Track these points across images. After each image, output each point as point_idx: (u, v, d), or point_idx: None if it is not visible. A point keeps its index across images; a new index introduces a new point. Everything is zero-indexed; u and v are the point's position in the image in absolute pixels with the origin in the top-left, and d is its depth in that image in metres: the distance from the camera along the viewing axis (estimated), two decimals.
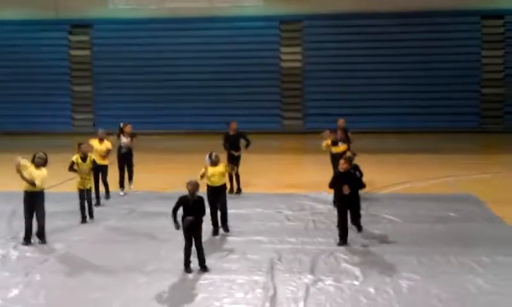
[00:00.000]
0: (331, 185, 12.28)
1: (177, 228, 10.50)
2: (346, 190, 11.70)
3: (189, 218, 10.36)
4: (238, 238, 12.44)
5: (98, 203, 15.25)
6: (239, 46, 32.36)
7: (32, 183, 11.92)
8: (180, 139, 30.25)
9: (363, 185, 12.36)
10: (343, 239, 11.89)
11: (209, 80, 32.16)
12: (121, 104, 32.23)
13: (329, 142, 15.75)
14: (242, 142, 16.84)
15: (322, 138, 16.24)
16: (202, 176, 12.48)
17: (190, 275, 10.34)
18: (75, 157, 13.97)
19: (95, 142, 15.79)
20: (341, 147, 15.37)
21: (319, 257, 11.13)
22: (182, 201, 10.51)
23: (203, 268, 10.50)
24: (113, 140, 16.46)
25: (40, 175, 12.00)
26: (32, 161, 12.16)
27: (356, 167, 12.47)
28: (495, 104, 31.45)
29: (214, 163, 12.76)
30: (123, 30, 33.10)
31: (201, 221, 10.61)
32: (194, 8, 32.07)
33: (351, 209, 12.07)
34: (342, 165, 12.06)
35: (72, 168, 14.01)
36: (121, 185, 16.69)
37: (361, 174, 12.58)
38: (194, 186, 10.53)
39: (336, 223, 12.33)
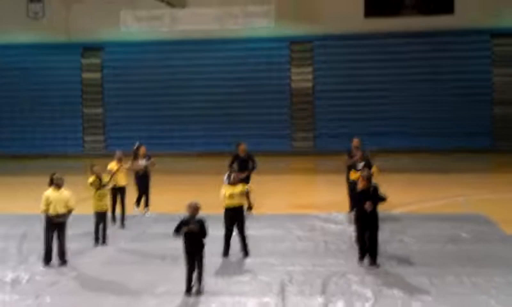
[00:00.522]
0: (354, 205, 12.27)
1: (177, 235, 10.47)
2: (369, 206, 11.60)
3: (193, 226, 10.30)
4: (249, 260, 12.39)
5: (113, 224, 15.24)
6: (249, 67, 32.48)
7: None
8: (190, 160, 30.29)
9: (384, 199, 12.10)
10: (361, 254, 11.84)
11: (220, 101, 32.26)
12: (132, 126, 32.35)
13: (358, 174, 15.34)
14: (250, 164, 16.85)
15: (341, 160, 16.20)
16: (224, 201, 12.42)
17: (200, 298, 10.28)
18: (91, 179, 13.96)
19: (113, 165, 15.68)
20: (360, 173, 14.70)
21: (330, 279, 11.05)
22: (183, 223, 10.46)
23: (199, 292, 10.38)
24: (129, 162, 16.44)
25: (70, 197, 12.12)
26: (51, 184, 12.14)
27: (376, 189, 12.11)
28: (507, 123, 31.30)
29: (233, 183, 12.72)
30: (134, 52, 33.33)
31: (203, 245, 10.53)
32: (205, 30, 32.24)
33: (369, 233, 11.79)
34: (360, 183, 11.94)
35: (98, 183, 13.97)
36: (138, 203, 16.73)
37: (383, 199, 12.15)
38: (193, 209, 10.49)
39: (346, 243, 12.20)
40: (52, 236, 12.11)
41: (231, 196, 12.59)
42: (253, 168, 16.85)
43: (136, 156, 16.74)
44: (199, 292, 10.38)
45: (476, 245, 13.17)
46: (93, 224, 13.82)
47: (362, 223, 11.76)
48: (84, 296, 10.56)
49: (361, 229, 11.78)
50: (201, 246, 10.48)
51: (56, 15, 33.48)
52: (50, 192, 12.10)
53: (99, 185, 13.84)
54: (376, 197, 11.81)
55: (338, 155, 16.88)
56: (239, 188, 12.76)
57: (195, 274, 10.42)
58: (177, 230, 10.47)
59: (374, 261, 11.74)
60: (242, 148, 16.88)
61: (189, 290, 10.41)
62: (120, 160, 15.73)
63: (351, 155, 16.30)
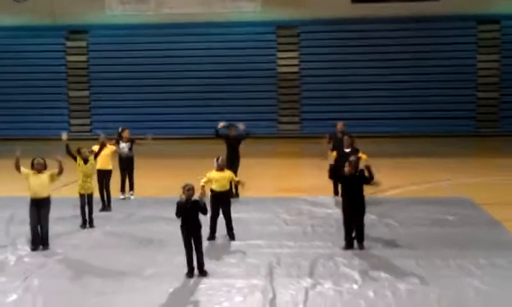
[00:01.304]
0: (331, 175, 12.54)
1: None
2: (348, 169, 11.80)
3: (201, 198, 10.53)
4: (236, 243, 12.45)
5: (103, 208, 15.24)
6: (235, 51, 32.45)
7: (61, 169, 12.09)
8: (177, 144, 30.27)
9: (370, 179, 12.05)
10: (347, 242, 11.85)
11: (206, 85, 32.24)
12: (118, 109, 32.28)
13: (334, 153, 15.54)
14: (241, 147, 16.87)
15: (321, 144, 16.34)
16: (205, 184, 12.42)
17: (188, 280, 10.32)
18: (78, 158, 13.91)
19: (96, 149, 15.64)
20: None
21: (317, 261, 11.14)
22: (181, 206, 10.48)
23: (202, 272, 10.48)
24: (112, 145, 16.41)
25: (51, 174, 12.05)
26: (32, 167, 12.10)
27: (362, 174, 12.14)
28: (490, 108, 31.59)
29: (220, 168, 12.74)
30: (120, 35, 33.17)
31: (200, 225, 10.60)
32: (191, 14, 32.15)
33: (356, 216, 11.84)
34: (347, 168, 11.98)
35: (68, 151, 13.92)
36: (122, 190, 16.69)
37: (371, 178, 12.11)
38: (191, 191, 10.50)
39: (333, 226, 12.25)
40: (35, 220, 12.03)
41: (217, 180, 12.62)
42: (247, 134, 16.94)
43: (118, 139, 16.68)
44: (203, 274, 10.41)
45: (461, 228, 13.33)
46: (79, 207, 13.81)
47: (350, 208, 11.81)
48: (71, 278, 10.56)
49: (348, 214, 11.84)
50: (198, 227, 10.52)
51: None
52: (31, 173, 12.02)
53: (83, 165, 13.80)
54: (362, 180, 11.89)
55: (320, 138, 17.01)
56: (226, 174, 12.79)
57: (195, 257, 10.45)
58: (178, 213, 10.46)
59: (361, 245, 11.83)
60: (233, 130, 16.93)
61: (190, 271, 10.44)
62: (103, 144, 15.67)
63: (334, 139, 16.43)
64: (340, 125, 16.70)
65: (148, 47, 32.99)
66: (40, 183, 11.96)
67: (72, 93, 33.71)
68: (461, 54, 31.58)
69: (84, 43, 33.79)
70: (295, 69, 32.79)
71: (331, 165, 14.44)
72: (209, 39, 32.69)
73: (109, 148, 15.77)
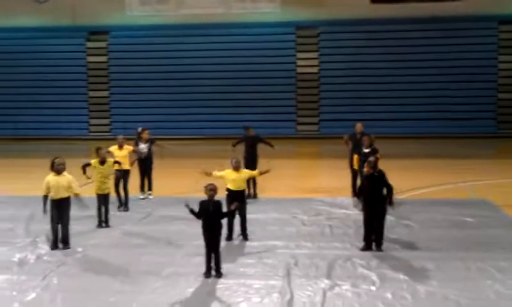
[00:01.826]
0: (360, 193, 12.22)
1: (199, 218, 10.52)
2: (367, 169, 11.79)
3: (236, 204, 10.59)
4: (254, 243, 12.42)
5: (120, 207, 15.31)
6: (255, 52, 32.50)
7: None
8: (196, 144, 30.37)
9: (390, 202, 11.84)
10: (366, 244, 11.79)
11: (226, 85, 32.32)
12: (137, 109, 32.45)
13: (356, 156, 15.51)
14: (260, 146, 16.89)
15: (345, 143, 16.38)
16: (219, 177, 12.42)
17: (206, 280, 10.33)
18: (94, 161, 14.03)
19: (114, 149, 15.76)
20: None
21: (335, 262, 11.09)
22: (203, 207, 10.48)
23: (218, 273, 10.47)
24: (131, 146, 16.49)
25: (73, 181, 12.11)
26: (52, 168, 12.12)
27: (382, 174, 12.02)
28: (511, 109, 31.28)
29: (236, 168, 12.74)
30: (140, 36, 33.37)
31: (221, 225, 10.60)
32: (211, 14, 32.24)
33: (376, 218, 11.74)
34: (366, 168, 11.94)
35: (84, 167, 14.04)
36: (142, 189, 16.76)
37: (390, 190, 11.86)
38: (213, 191, 10.51)
39: (351, 227, 12.16)
40: (56, 221, 12.09)
41: (233, 180, 12.62)
42: (270, 145, 17.08)
43: (138, 140, 16.74)
44: (219, 275, 10.43)
45: (481, 230, 13.19)
46: (96, 207, 13.89)
47: (370, 209, 11.73)
48: (90, 277, 10.61)
49: (368, 215, 11.76)
50: (219, 228, 10.52)
51: None
52: (50, 177, 12.06)
53: (99, 166, 13.89)
54: (381, 182, 11.80)
55: (340, 139, 16.98)
56: (242, 174, 12.78)
57: (213, 258, 10.47)
58: (200, 213, 10.46)
59: (379, 247, 11.76)
60: (251, 130, 17.00)
61: (208, 271, 10.46)
62: (121, 146, 15.76)
63: (353, 139, 16.39)
64: (359, 126, 16.64)
65: (167, 48, 33.15)
66: (61, 185, 12.02)
67: (91, 93, 33.98)
68: (481, 55, 31.35)
69: (104, 44, 34.03)
70: (314, 70, 32.76)
71: (360, 186, 13.95)
72: (228, 40, 32.75)
73: (126, 148, 15.86)
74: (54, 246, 12.10)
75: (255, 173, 13.61)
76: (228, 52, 32.68)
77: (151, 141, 16.82)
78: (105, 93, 33.91)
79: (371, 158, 12.22)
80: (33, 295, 9.80)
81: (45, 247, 12.21)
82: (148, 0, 33.33)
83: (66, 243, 12.17)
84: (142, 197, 16.67)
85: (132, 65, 33.39)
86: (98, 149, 14.19)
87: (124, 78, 33.51)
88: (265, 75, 32.42)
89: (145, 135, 16.78)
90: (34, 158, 24.57)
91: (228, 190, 12.66)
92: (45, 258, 11.65)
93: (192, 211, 10.47)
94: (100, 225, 13.82)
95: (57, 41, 33.86)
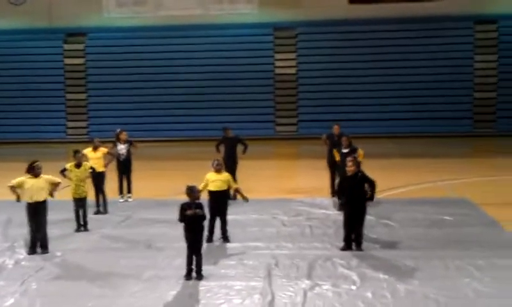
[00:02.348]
0: (339, 192, 12.21)
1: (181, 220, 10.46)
2: (350, 168, 11.78)
3: (199, 210, 10.34)
4: (234, 244, 12.41)
5: (98, 211, 15.21)
6: (233, 53, 32.49)
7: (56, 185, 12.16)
8: (174, 146, 30.26)
9: (371, 198, 11.95)
10: (346, 244, 11.82)
11: (203, 87, 32.26)
12: (115, 112, 32.27)
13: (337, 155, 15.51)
14: (240, 147, 16.91)
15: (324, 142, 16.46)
16: (203, 189, 12.38)
17: (187, 282, 10.30)
18: (69, 164, 13.93)
19: (89, 151, 15.63)
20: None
21: (316, 262, 11.12)
22: (185, 208, 10.43)
23: (199, 275, 10.44)
24: (110, 147, 16.38)
25: (51, 178, 12.08)
26: (29, 171, 11.99)
27: (363, 174, 12.07)
28: (487, 108, 31.61)
29: (217, 170, 12.71)
30: (117, 38, 33.20)
31: (203, 227, 10.57)
32: (188, 16, 32.18)
33: (356, 218, 11.78)
34: (350, 167, 11.93)
35: (62, 172, 13.93)
36: (121, 192, 16.66)
37: (372, 185, 11.93)
38: (196, 192, 10.49)
39: (331, 227, 12.21)
40: (34, 225, 11.97)
41: (214, 182, 12.58)
42: (245, 149, 17.03)
43: (116, 141, 16.66)
44: (200, 277, 10.39)
45: (460, 228, 13.30)
46: (73, 210, 13.80)
47: (350, 208, 11.76)
48: (70, 282, 10.53)
49: (349, 215, 11.79)
50: (201, 230, 10.49)
51: (37, 0, 33.19)
52: (26, 178, 11.94)
53: (75, 169, 13.80)
54: (362, 180, 11.85)
55: (319, 139, 17.08)
56: (224, 175, 12.77)
57: (194, 260, 10.43)
58: (181, 216, 10.41)
59: (359, 246, 11.80)
60: (229, 131, 17.00)
61: (189, 273, 10.41)
62: (95, 148, 15.64)
63: (331, 140, 16.43)
64: (336, 128, 16.69)
65: (145, 50, 33.01)
66: (38, 188, 11.91)
67: (69, 96, 33.72)
68: (458, 54, 31.62)
69: (81, 46, 33.81)
70: (292, 70, 32.81)
71: (339, 185, 13.96)
72: (207, 41, 32.71)
73: (101, 150, 15.74)
74: (32, 251, 11.98)
75: (234, 185, 13.28)
76: (206, 53, 32.63)
77: (129, 143, 16.74)
78: (83, 96, 33.66)
79: (354, 159, 12.23)
80: (11, 300, 9.71)
81: (22, 252, 12.10)
82: (125, 2, 33.17)
83: (44, 247, 12.05)
84: (121, 200, 16.58)
85: (110, 67, 33.20)
86: (75, 152, 14.09)
87: (102, 80, 33.30)
88: (243, 76, 32.41)
89: (123, 136, 16.69)
90: (10, 162, 24.32)
91: (209, 191, 12.62)
92: (23, 263, 11.54)
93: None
94: (78, 229, 13.71)
95: (34, 43, 33.56)
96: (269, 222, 14.18)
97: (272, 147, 29.53)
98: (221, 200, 12.66)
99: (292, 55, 32.90)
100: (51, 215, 12.40)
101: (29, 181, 11.89)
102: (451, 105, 31.39)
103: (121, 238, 13.23)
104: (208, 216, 11.79)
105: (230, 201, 13.92)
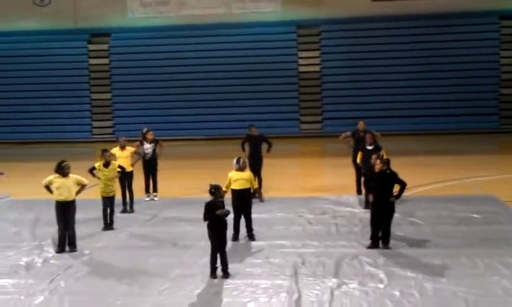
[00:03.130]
0: (367, 189, 12.15)
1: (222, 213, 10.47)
2: (370, 198, 11.69)
3: (226, 210, 10.36)
4: (261, 243, 12.39)
5: (125, 210, 15.30)
6: (256, 51, 32.50)
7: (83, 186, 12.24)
8: (199, 144, 30.36)
9: (398, 196, 11.87)
10: (373, 242, 11.75)
11: (228, 85, 32.32)
12: (139, 111, 32.46)
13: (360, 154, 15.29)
14: (264, 146, 16.88)
15: (345, 142, 16.39)
16: (227, 188, 12.40)
17: (213, 281, 10.32)
18: (98, 164, 14.03)
19: (116, 150, 15.73)
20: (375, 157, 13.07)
21: (342, 260, 11.06)
22: (211, 207, 10.43)
23: (226, 274, 10.46)
24: (136, 146, 16.45)
25: (79, 178, 12.19)
26: (57, 171, 12.11)
27: (393, 172, 11.96)
28: None
29: (241, 168, 12.71)
30: (141, 38, 33.39)
31: (226, 225, 10.59)
32: (211, 15, 32.26)
33: (384, 216, 11.66)
34: (377, 165, 11.77)
35: (91, 171, 14.04)
36: (147, 191, 16.74)
37: (403, 186, 11.88)
38: (221, 191, 10.50)
39: (357, 225, 12.16)
40: (64, 225, 12.08)
41: (237, 180, 12.59)
42: (269, 148, 16.91)
43: (142, 140, 16.73)
44: (226, 275, 10.42)
45: (488, 226, 13.16)
46: (101, 209, 13.90)
47: (378, 207, 11.66)
48: (97, 280, 10.60)
49: (377, 213, 11.70)
50: (225, 228, 10.51)
51: (62, 1, 33.55)
52: (55, 177, 12.05)
53: (103, 169, 13.88)
54: (392, 179, 11.74)
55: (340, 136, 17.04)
56: (246, 174, 12.75)
57: (220, 258, 10.46)
58: (207, 215, 10.43)
59: (386, 244, 11.73)
60: (254, 130, 16.94)
61: (213, 272, 10.45)
62: (123, 147, 15.72)
63: (355, 137, 16.36)
64: (361, 124, 16.65)
65: (169, 49, 33.16)
66: (67, 187, 12.03)
67: (94, 96, 33.98)
68: (483, 50, 31.32)
69: (106, 46, 34.04)
70: (316, 68, 32.74)
71: (365, 182, 13.78)
72: (230, 40, 32.76)
73: (128, 149, 15.81)
74: (60, 249, 12.09)
75: (255, 185, 13.28)
76: (229, 52, 32.68)
77: (156, 142, 16.80)
78: (108, 95, 33.92)
79: (381, 156, 12.13)
80: (41, 298, 9.80)
81: (51, 251, 12.20)
82: (149, 2, 33.34)
83: (73, 245, 12.16)
84: (147, 199, 16.66)
85: (133, 67, 33.40)
86: (103, 152, 14.18)
87: (126, 80, 33.53)
88: (267, 74, 32.40)
89: (150, 136, 16.75)
90: (37, 162, 24.61)
91: (232, 190, 12.62)
92: (51, 261, 11.64)
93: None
94: (106, 228, 13.82)
95: (59, 44, 33.89)
96: (294, 220, 14.14)
97: (297, 145, 29.49)
98: (244, 198, 12.64)
99: (316, 53, 32.84)
100: (79, 214, 12.51)
101: (57, 181, 12.00)
102: (477, 101, 31.11)
103: (148, 236, 13.30)
104: (232, 215, 11.80)
105: (254, 200, 13.89)
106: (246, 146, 16.86)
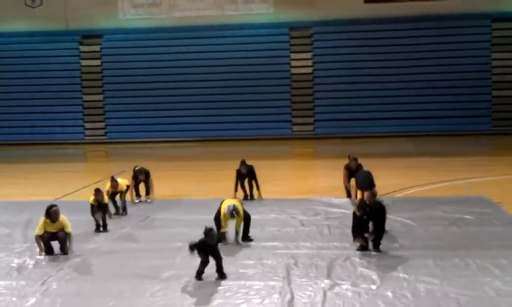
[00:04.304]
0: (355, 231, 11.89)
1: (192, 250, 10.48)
2: (357, 242, 11.64)
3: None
4: (253, 244, 12.39)
5: (117, 213, 15.24)
6: (249, 53, 32.49)
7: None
8: (191, 146, 30.32)
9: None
10: (360, 242, 11.72)
11: (219, 87, 32.29)
12: (131, 113, 32.41)
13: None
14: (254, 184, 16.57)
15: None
16: (223, 229, 12.25)
17: (206, 282, 10.30)
18: (92, 199, 13.93)
19: (108, 187, 15.29)
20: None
21: (335, 262, 11.07)
22: (199, 247, 10.45)
23: (223, 275, 10.43)
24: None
25: (66, 223, 12.05)
26: (47, 216, 12.00)
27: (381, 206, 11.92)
28: (506, 106, 31.37)
29: (232, 216, 12.45)
30: (133, 39, 33.34)
31: (219, 257, 10.55)
32: (203, 16, 32.26)
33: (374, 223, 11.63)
34: (358, 210, 11.64)
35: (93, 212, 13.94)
36: (137, 194, 16.68)
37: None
38: (214, 237, 10.45)
39: (349, 226, 12.13)
40: (47, 239, 12.02)
41: (225, 222, 12.42)
42: (257, 187, 16.61)
43: (134, 178, 16.49)
44: (223, 277, 10.39)
45: (480, 227, 13.20)
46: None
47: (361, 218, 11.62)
48: (89, 282, 10.57)
49: (359, 221, 11.65)
50: (218, 255, 10.49)
51: (53, 3, 33.43)
52: (44, 222, 12.00)
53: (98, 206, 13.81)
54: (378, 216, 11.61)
55: (335, 139, 16.97)
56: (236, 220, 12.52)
57: (215, 265, 10.43)
58: (193, 248, 10.45)
59: (377, 248, 11.70)
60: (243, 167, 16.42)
61: (199, 274, 10.41)
62: (115, 186, 15.26)
63: (348, 170, 16.10)
64: (353, 163, 16.12)
65: (161, 51, 33.10)
66: (56, 228, 12.00)
67: (86, 97, 33.87)
68: (475, 53, 31.40)
69: (97, 48, 33.95)
70: (308, 70, 32.75)
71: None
72: (222, 41, 32.74)
73: (120, 185, 15.41)
74: (48, 252, 12.03)
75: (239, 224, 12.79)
76: (221, 53, 32.66)
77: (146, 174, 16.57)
78: (100, 97, 33.81)
79: (366, 198, 12.05)
80: (33, 300, 9.76)
81: (42, 253, 12.15)
82: (140, 4, 33.30)
83: (63, 251, 12.05)
84: (136, 200, 16.55)
85: (125, 68, 33.33)
86: (96, 191, 13.97)
87: (118, 81, 33.44)
88: (259, 76, 32.40)
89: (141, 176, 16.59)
90: (29, 164, 24.50)
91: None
92: (43, 263, 11.60)
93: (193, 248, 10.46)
94: (98, 229, 13.78)
95: (50, 45, 33.76)
96: (287, 221, 14.15)
97: (289, 147, 29.50)
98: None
99: (308, 55, 32.85)
100: (71, 216, 12.46)
101: (46, 224, 11.98)
102: (469, 103, 31.21)
103: (140, 238, 13.28)
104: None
105: (246, 201, 13.74)
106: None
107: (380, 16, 31.51)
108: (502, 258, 10.92)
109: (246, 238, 12.65)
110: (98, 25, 33.37)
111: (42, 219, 12.03)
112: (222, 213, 12.38)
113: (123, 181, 15.61)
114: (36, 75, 33.49)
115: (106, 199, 14.21)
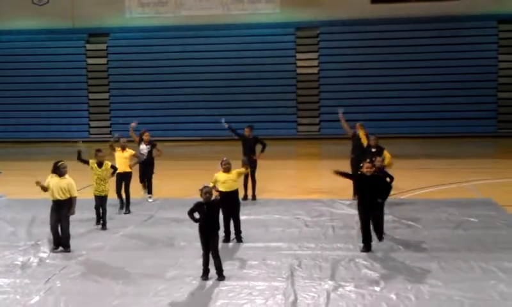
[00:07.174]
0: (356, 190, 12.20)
1: (196, 221, 10.44)
2: (366, 168, 11.68)
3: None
4: (257, 245, 12.37)
5: (121, 208, 15.29)
6: (255, 53, 32.50)
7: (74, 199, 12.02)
8: (197, 145, 30.33)
9: (386, 195, 11.91)
10: (366, 245, 11.75)
11: (225, 86, 32.30)
12: (137, 111, 32.41)
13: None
14: (259, 147, 16.82)
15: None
16: (213, 186, 12.31)
17: (210, 282, 10.29)
18: (92, 161, 13.97)
19: (117, 150, 15.64)
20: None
21: (339, 263, 11.05)
22: (198, 208, 10.43)
23: (220, 276, 10.42)
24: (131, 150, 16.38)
25: (72, 185, 12.02)
26: (54, 171, 12.07)
27: (385, 172, 12.10)
28: (511, 108, 31.27)
29: (226, 170, 12.67)
30: (139, 38, 33.37)
31: (218, 227, 10.56)
32: (210, 16, 32.27)
33: (374, 215, 11.77)
34: (365, 168, 11.77)
35: (80, 158, 13.89)
36: (149, 191, 16.73)
37: (391, 179, 12.40)
38: (208, 194, 10.47)
39: (354, 228, 12.17)
40: (55, 221, 12.05)
41: (225, 182, 12.54)
42: (263, 149, 16.76)
43: (139, 141, 16.71)
44: (222, 278, 10.37)
45: (485, 229, 13.15)
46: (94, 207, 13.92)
47: (365, 209, 11.65)
48: (93, 280, 10.57)
49: (365, 214, 11.68)
50: (216, 227, 10.47)
51: (60, 1, 33.52)
52: (51, 178, 12.01)
53: (96, 168, 13.85)
54: (380, 184, 11.74)
55: (341, 139, 17.01)
56: (232, 175, 12.69)
57: (212, 261, 10.40)
58: (191, 213, 10.41)
59: (380, 238, 11.72)
60: (248, 130, 16.78)
61: (205, 273, 10.41)
62: (123, 148, 15.65)
63: (354, 139, 16.30)
64: (358, 126, 16.57)
65: (167, 49, 33.14)
66: (62, 187, 11.98)
67: (92, 96, 33.95)
68: (481, 54, 31.35)
69: (104, 46, 34.01)
70: (314, 70, 32.74)
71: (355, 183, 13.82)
72: (228, 41, 32.75)
73: (128, 151, 15.70)
74: (54, 246, 12.06)
75: (242, 170, 13.26)
76: (227, 53, 32.67)
77: (152, 144, 16.73)
78: (106, 95, 33.89)
79: (379, 163, 12.22)
80: (37, 298, 9.77)
81: (47, 250, 12.17)
82: (147, 2, 33.32)
83: (66, 246, 12.10)
84: (150, 200, 16.56)
85: (131, 67, 33.38)
86: (97, 151, 14.13)
87: (124, 80, 33.50)
88: (265, 76, 32.40)
89: (146, 137, 16.72)
90: (34, 161, 24.55)
91: (220, 193, 12.53)
92: (47, 261, 11.61)
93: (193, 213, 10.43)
94: (98, 222, 13.78)
95: (57, 43, 33.84)
96: (291, 222, 14.13)
97: (294, 147, 29.48)
98: (232, 200, 12.57)
99: (314, 55, 32.84)
100: (75, 214, 12.46)
101: (52, 181, 11.97)
102: (475, 105, 31.14)
103: (144, 237, 13.27)
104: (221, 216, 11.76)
105: (248, 202, 13.76)
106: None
107: (386, 17, 31.48)
108: (507, 261, 10.88)
109: (238, 238, 12.64)
110: (104, 23, 33.43)
111: (49, 176, 12.01)
112: (214, 177, 12.56)
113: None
114: (42, 73, 33.59)
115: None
